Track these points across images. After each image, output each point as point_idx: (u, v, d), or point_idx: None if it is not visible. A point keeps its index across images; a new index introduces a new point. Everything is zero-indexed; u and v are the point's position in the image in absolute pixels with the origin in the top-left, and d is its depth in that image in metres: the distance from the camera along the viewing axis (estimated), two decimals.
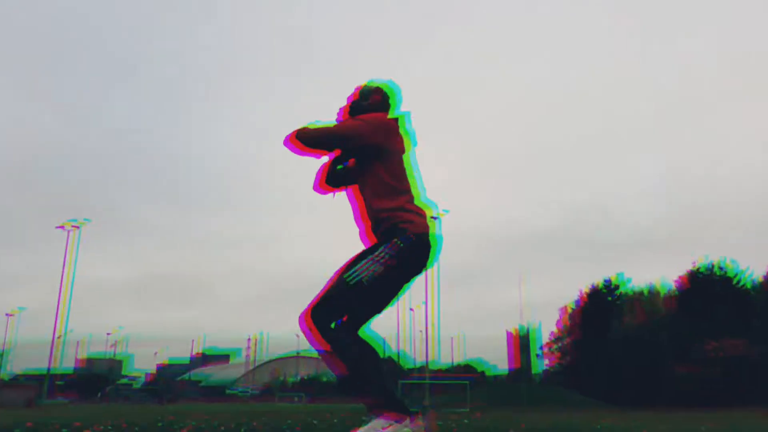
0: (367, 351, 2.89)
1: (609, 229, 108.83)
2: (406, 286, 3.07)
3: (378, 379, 2.85)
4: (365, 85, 3.32)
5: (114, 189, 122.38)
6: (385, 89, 3.31)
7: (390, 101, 3.29)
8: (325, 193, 3.31)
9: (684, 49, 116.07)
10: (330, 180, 3.28)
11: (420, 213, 3.01)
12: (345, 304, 2.90)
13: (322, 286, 2.95)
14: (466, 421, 6.92)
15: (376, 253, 2.90)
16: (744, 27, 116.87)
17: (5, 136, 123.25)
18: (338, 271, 2.96)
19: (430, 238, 2.98)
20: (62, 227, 40.56)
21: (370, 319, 3.07)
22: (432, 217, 3.10)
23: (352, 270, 2.89)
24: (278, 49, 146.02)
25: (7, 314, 53.94)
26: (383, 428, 2.72)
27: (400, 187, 3.02)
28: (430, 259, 3.03)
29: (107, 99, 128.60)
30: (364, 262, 2.90)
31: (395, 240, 2.89)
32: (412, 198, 3.04)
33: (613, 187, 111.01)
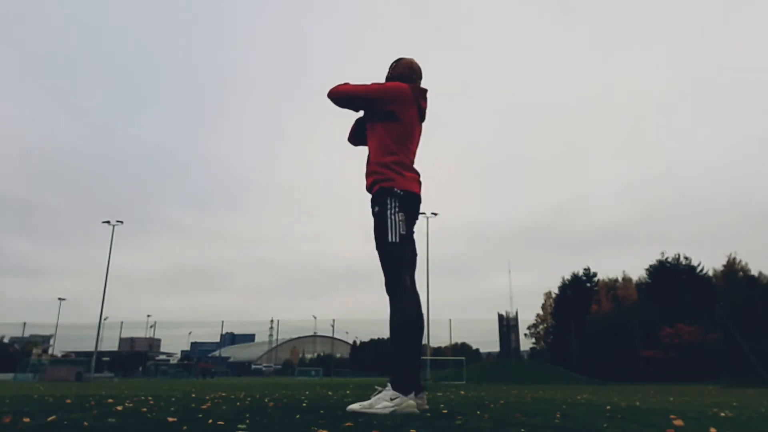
0: (411, 328, 2.87)
1: (584, 226, 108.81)
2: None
3: (405, 354, 2.82)
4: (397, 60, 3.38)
5: (143, 193, 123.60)
6: (410, 63, 3.35)
7: (413, 74, 3.32)
8: (355, 145, 3.45)
9: (645, 69, 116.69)
10: (355, 136, 3.41)
11: (404, 174, 3.05)
12: (402, 260, 2.95)
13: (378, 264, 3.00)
14: (462, 392, 6.91)
15: (388, 208, 2.98)
16: (694, 52, 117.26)
17: (51, 147, 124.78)
18: (379, 243, 2.99)
19: (412, 196, 3.04)
20: (108, 222, 40.42)
21: (415, 265, 3.15)
22: (417, 181, 3.14)
23: (388, 233, 2.95)
24: (287, 65, 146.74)
25: (59, 298, 53.83)
26: (391, 399, 2.71)
27: (395, 149, 3.08)
28: (414, 215, 3.09)
29: (139, 115, 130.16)
30: (389, 221, 2.96)
31: (395, 190, 2.99)
32: (401, 162, 3.08)
33: (586, 190, 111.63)
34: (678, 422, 2.38)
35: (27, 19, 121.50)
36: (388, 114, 3.09)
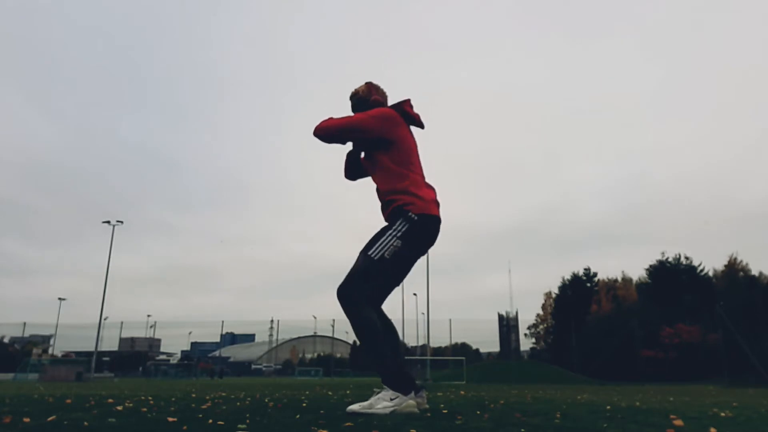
0: (379, 330, 2.82)
1: (583, 226, 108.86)
2: (413, 262, 3.03)
3: (384, 356, 2.79)
4: (365, 86, 3.29)
5: (143, 193, 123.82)
6: (382, 91, 3.29)
7: (385, 98, 3.27)
8: (353, 179, 3.36)
9: (638, 67, 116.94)
10: (350, 171, 3.33)
11: (422, 196, 2.97)
12: (370, 278, 2.85)
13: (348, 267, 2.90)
14: (462, 392, 6.91)
15: (394, 228, 2.89)
16: (672, 56, 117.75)
17: (41, 149, 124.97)
18: (362, 250, 2.92)
19: (431, 219, 2.95)
20: (108, 222, 40.34)
21: (389, 292, 3.04)
22: (435, 200, 3.04)
23: (375, 247, 2.87)
24: (282, 64, 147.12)
25: (59, 298, 53.83)
26: (391, 399, 2.71)
27: (404, 172, 3.01)
28: (432, 238, 2.99)
29: (135, 115, 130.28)
30: (383, 238, 2.88)
31: (410, 215, 2.89)
32: (415, 182, 3.00)
33: (584, 189, 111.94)
34: (678, 422, 2.38)
35: (15, 18, 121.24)
36: (381, 142, 3.03)
